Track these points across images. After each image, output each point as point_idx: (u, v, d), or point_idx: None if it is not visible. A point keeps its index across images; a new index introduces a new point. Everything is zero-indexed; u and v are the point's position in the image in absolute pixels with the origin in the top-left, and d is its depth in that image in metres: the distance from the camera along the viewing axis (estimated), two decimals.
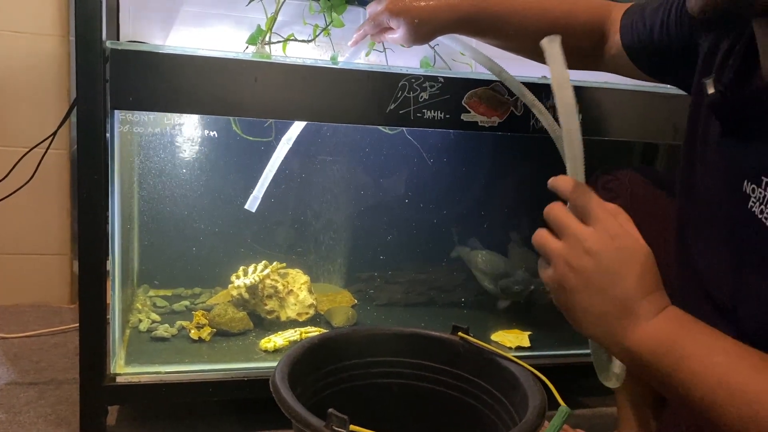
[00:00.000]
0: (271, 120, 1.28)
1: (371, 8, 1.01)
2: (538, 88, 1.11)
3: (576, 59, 1.00)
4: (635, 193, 0.91)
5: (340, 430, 0.62)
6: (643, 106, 1.17)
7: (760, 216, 0.58)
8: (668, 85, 0.95)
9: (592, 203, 0.60)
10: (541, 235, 0.63)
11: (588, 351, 1.01)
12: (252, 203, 1.17)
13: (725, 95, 0.63)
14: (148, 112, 1.20)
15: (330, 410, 0.62)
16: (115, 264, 1.05)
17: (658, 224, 0.80)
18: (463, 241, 1.58)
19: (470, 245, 1.57)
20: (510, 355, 0.83)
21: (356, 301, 1.48)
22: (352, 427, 0.62)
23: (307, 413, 0.66)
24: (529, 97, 0.99)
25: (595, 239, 0.59)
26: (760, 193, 0.58)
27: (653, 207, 0.88)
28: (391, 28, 0.98)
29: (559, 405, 0.73)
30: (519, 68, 1.07)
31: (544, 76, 1.15)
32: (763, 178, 0.58)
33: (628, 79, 0.99)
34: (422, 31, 0.94)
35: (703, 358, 0.54)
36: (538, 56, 1.00)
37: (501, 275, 1.48)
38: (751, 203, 0.60)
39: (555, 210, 0.62)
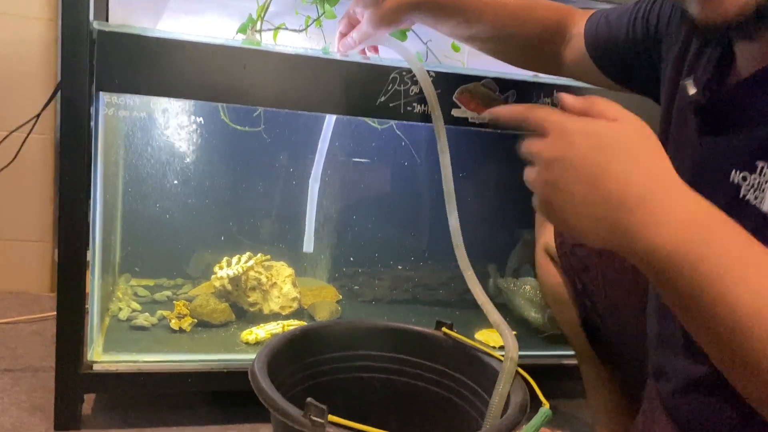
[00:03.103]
0: (260, 109, 1.27)
1: (341, 25, 0.99)
2: (530, 87, 1.11)
3: (535, 61, 1.00)
4: None
5: (318, 419, 0.61)
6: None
7: (754, 202, 0.56)
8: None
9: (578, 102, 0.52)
10: (525, 143, 0.53)
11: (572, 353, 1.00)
12: (308, 245, 1.18)
13: (707, 93, 0.64)
14: (134, 96, 1.19)
15: (309, 399, 0.61)
16: (95, 252, 1.04)
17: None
18: (499, 265, 1.53)
19: (519, 273, 1.50)
20: (494, 352, 0.82)
21: (341, 296, 1.47)
22: (330, 417, 0.61)
23: (285, 402, 0.65)
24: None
25: (584, 120, 0.51)
26: (754, 179, 0.57)
27: None
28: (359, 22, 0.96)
29: (540, 405, 0.72)
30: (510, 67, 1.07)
31: (536, 75, 1.14)
32: (758, 163, 0.56)
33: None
34: (385, 8, 0.90)
35: (738, 264, 0.46)
36: (492, 48, 1.00)
37: None
38: (743, 192, 0.58)
39: (534, 111, 0.53)
